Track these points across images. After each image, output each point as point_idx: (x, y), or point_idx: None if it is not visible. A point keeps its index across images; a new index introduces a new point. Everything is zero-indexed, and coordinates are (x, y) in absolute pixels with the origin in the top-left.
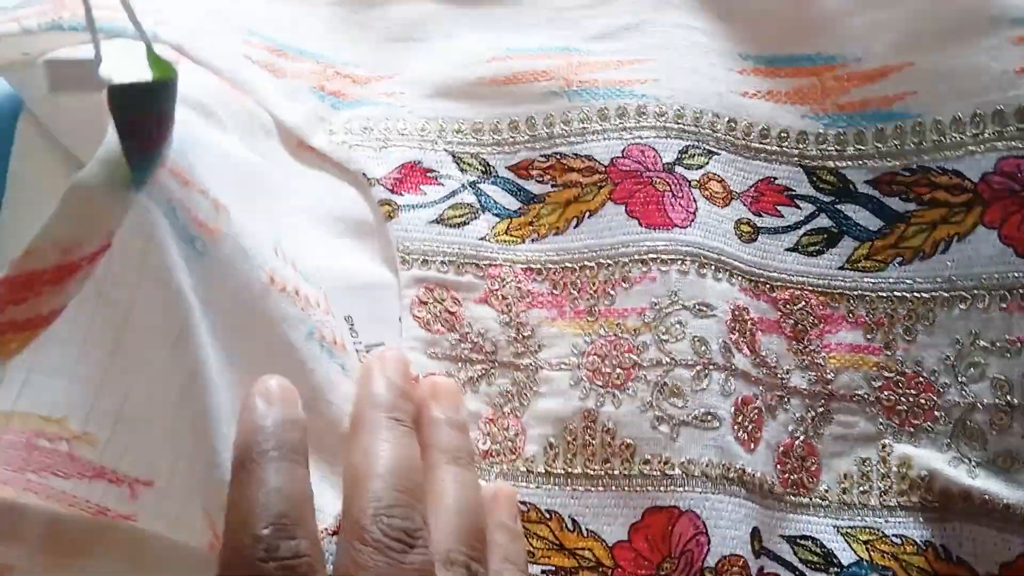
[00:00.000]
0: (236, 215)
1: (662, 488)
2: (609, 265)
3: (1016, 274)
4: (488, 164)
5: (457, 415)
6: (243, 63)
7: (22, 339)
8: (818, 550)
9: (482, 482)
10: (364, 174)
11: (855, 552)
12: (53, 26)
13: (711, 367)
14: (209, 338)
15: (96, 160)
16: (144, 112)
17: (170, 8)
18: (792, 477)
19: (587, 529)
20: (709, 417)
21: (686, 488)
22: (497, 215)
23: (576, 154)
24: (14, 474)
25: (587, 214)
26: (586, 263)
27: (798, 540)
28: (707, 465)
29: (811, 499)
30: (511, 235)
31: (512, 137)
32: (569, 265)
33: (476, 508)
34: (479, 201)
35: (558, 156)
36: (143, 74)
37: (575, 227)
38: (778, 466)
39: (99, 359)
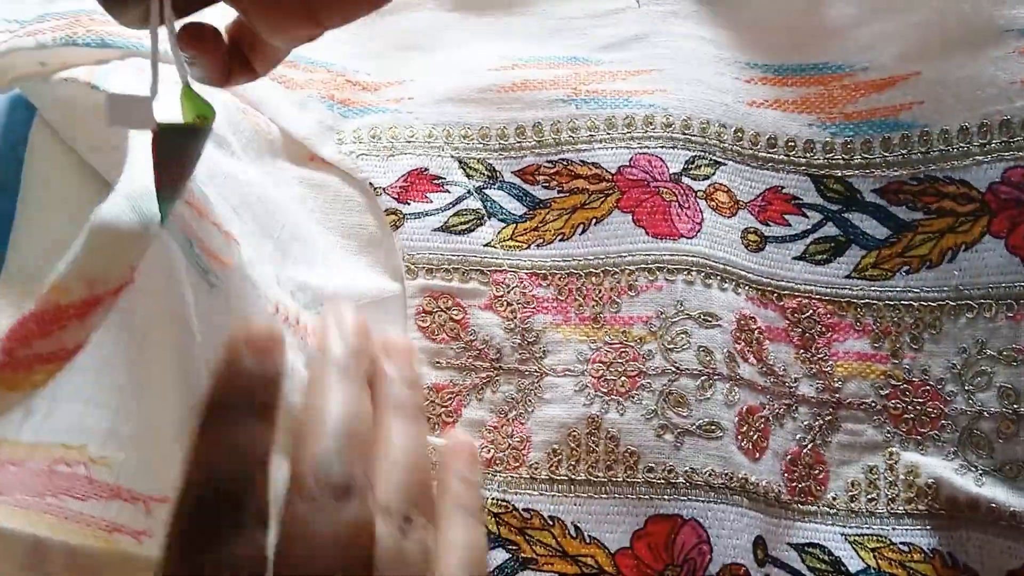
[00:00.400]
0: (245, 247)
1: (666, 496)
2: (615, 273)
3: (1023, 284)
4: (494, 169)
5: (409, 371)
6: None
7: (47, 371)
8: (826, 558)
9: (436, 439)
10: (371, 183)
11: (863, 559)
12: (67, 41)
13: (715, 377)
14: (205, 363)
15: (120, 194)
16: (184, 153)
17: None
18: (799, 485)
19: (590, 536)
20: (712, 427)
21: (689, 497)
22: (503, 220)
23: (583, 161)
24: (34, 499)
25: (593, 221)
26: (592, 270)
27: (806, 548)
28: (710, 475)
29: (819, 507)
30: (516, 240)
31: (519, 142)
32: (575, 271)
33: (419, 461)
34: (485, 207)
35: (565, 162)
36: (188, 114)
37: (581, 233)
38: (785, 474)
39: (116, 386)
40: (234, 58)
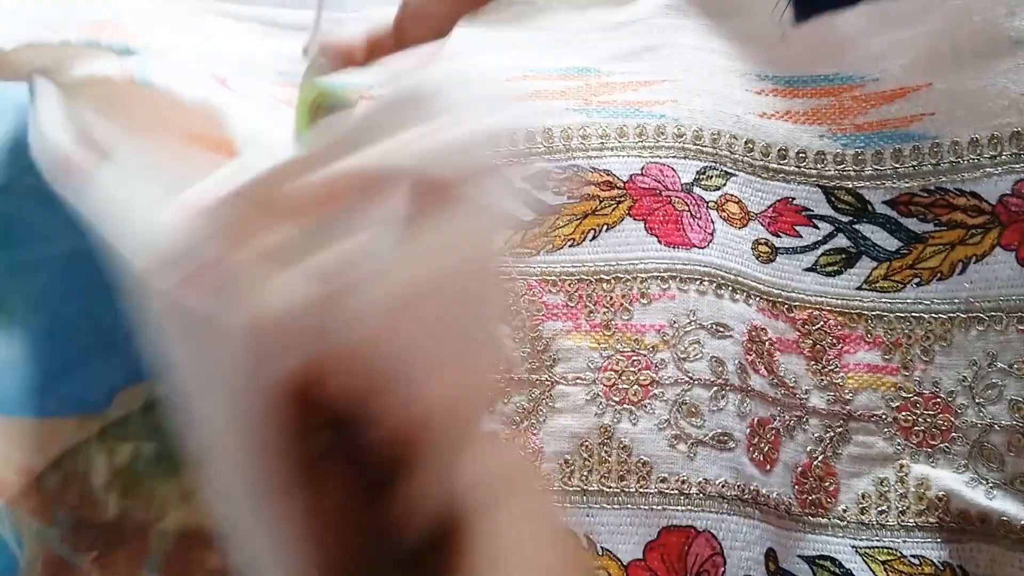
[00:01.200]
0: None
1: (679, 507)
2: (627, 280)
3: None
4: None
5: None
6: (273, 106)
7: None
8: (837, 570)
9: None
10: None
11: (873, 572)
12: (91, 43)
13: (728, 388)
14: None
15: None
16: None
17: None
18: (810, 497)
19: (602, 548)
20: (725, 438)
21: (703, 508)
22: (512, 227)
23: (594, 168)
24: None
25: (604, 228)
26: (602, 276)
27: (816, 560)
28: (723, 486)
29: (829, 519)
30: (525, 246)
31: (528, 148)
32: (585, 277)
33: None
34: None
35: (575, 169)
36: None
37: (592, 240)
38: (796, 487)
39: None
40: None
